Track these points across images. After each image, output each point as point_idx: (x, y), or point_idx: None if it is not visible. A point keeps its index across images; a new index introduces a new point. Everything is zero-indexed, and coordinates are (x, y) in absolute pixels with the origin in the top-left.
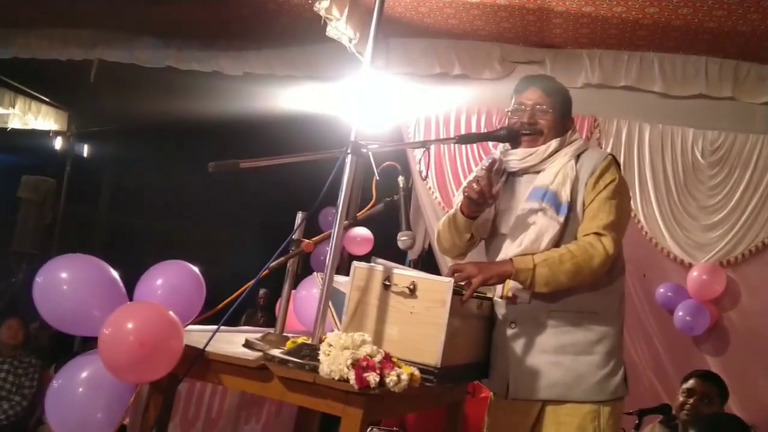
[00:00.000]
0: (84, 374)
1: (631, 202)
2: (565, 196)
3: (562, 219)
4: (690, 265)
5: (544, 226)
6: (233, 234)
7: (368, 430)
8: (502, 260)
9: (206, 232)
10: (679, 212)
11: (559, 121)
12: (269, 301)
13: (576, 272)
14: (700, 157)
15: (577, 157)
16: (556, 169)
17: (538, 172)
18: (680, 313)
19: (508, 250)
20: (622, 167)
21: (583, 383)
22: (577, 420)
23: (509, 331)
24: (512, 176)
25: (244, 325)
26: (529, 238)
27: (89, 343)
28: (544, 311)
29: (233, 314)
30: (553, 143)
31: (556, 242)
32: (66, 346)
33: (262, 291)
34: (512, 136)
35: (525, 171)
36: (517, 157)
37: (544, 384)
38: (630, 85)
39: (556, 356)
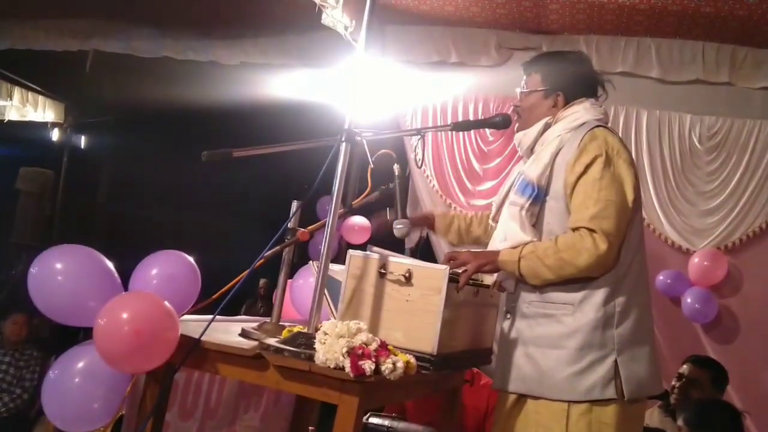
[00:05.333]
0: (80, 364)
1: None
2: (534, 175)
3: (523, 201)
4: (688, 251)
5: (511, 213)
6: (232, 224)
7: (367, 416)
8: (495, 249)
9: (204, 222)
10: (677, 198)
11: (541, 99)
12: (269, 291)
13: (559, 268)
14: (697, 143)
15: (571, 133)
16: (539, 151)
17: None
18: (688, 301)
19: (494, 239)
20: None
21: (549, 379)
22: (542, 417)
23: (501, 320)
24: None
25: (244, 314)
26: (503, 229)
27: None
28: (524, 301)
29: (233, 304)
30: (539, 123)
31: (534, 225)
32: (70, 337)
33: (262, 281)
34: (507, 123)
35: (525, 157)
36: (516, 143)
37: (517, 376)
38: (627, 71)
39: (531, 348)
